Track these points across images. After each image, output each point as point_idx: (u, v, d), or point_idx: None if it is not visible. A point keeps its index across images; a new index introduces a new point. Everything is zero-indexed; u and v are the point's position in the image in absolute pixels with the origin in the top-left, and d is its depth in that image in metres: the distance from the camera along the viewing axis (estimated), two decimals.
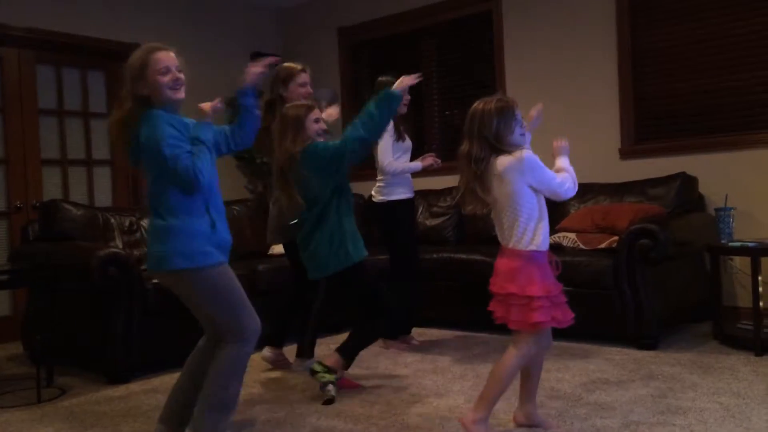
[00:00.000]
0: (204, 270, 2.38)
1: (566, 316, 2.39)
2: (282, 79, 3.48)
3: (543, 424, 2.53)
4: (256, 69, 2.60)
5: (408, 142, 4.02)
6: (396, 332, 4.05)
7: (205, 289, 2.42)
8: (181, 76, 2.43)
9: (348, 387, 3.18)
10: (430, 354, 3.81)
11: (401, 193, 3.96)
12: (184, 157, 2.30)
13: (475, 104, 2.38)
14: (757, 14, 4.23)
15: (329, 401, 2.97)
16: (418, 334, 4.24)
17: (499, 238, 2.44)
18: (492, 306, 2.44)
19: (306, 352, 3.59)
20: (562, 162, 2.54)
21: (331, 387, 3.00)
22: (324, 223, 3.01)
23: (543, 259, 2.38)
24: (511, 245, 2.37)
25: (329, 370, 3.03)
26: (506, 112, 2.32)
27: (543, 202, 2.42)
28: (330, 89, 6.20)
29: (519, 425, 2.56)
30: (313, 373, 3.04)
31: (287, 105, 3.21)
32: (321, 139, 3.05)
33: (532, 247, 2.35)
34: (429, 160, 3.97)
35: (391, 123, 3.88)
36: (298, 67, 3.51)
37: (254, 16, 6.34)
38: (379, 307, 3.13)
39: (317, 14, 6.41)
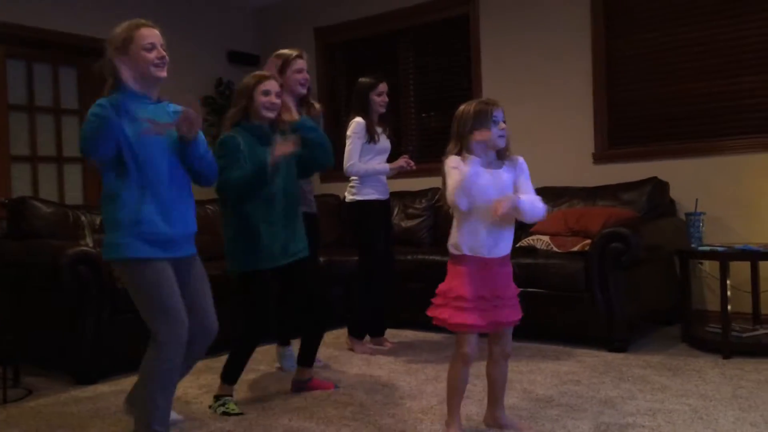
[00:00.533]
0: (127, 263, 2.36)
1: (452, 319, 2.35)
2: (278, 68, 3.35)
3: (513, 426, 2.54)
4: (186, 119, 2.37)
5: (383, 144, 3.98)
6: (363, 332, 4.05)
7: (128, 282, 2.40)
8: (166, 55, 2.40)
9: (319, 388, 3.16)
10: (404, 355, 3.81)
11: (370, 194, 3.92)
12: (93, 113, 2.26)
13: (461, 106, 2.45)
14: (729, 23, 4.31)
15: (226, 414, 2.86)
16: (392, 335, 4.24)
17: None
18: None
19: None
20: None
21: (227, 408, 2.88)
22: (227, 220, 2.92)
23: (466, 264, 2.36)
24: None
25: (221, 399, 2.92)
26: (482, 114, 2.37)
27: (478, 215, 2.36)
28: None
29: (489, 427, 2.58)
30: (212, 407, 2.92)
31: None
32: (270, 115, 2.89)
33: (452, 249, 2.42)
34: (400, 162, 3.91)
35: (362, 124, 3.89)
36: (294, 52, 3.40)
37: (230, 15, 6.31)
38: (245, 323, 2.98)
39: (294, 14, 6.39)
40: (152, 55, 2.37)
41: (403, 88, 5.83)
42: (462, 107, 2.44)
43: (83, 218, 4.21)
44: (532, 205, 2.40)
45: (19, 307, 3.70)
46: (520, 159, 2.51)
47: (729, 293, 3.57)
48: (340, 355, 3.90)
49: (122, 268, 2.41)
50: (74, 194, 5.38)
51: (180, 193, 2.45)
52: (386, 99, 3.95)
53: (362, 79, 3.97)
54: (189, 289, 2.49)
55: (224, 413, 2.83)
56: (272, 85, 2.91)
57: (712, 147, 4.36)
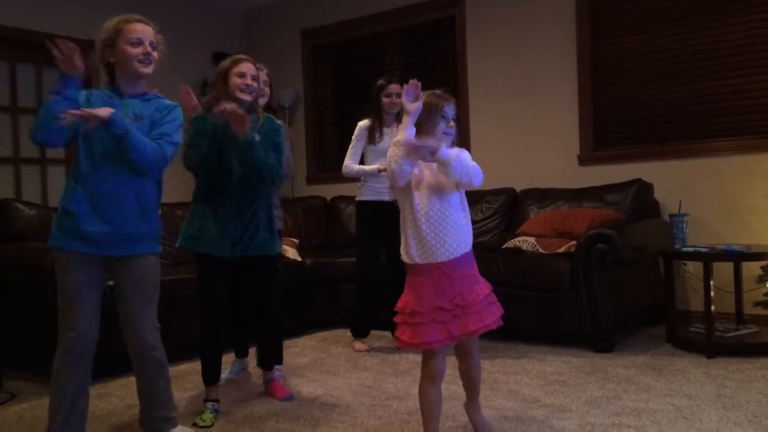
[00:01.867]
0: (53, 251, 2.35)
1: (411, 339, 2.17)
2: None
3: (476, 425, 2.47)
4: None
5: (386, 144, 3.91)
6: (359, 331, 4.08)
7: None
8: (154, 53, 2.37)
9: (272, 395, 3.11)
10: (391, 357, 3.81)
11: (368, 195, 3.97)
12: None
13: None
14: (713, 26, 4.35)
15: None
16: (379, 337, 4.24)
17: None
18: None
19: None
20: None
21: (200, 418, 2.81)
22: (192, 205, 2.94)
23: (420, 274, 2.22)
24: None
25: (204, 405, 2.89)
26: (432, 108, 2.23)
27: (414, 213, 2.22)
28: (293, 90, 6.17)
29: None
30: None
31: None
32: (245, 97, 2.85)
33: (405, 259, 2.24)
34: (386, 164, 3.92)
35: (363, 126, 3.94)
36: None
37: (217, 17, 6.28)
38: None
39: (280, 16, 6.38)
40: (137, 51, 2.33)
41: None
42: None
43: None
44: (459, 160, 2.15)
45: (1, 310, 3.65)
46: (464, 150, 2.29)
47: (712, 293, 3.60)
48: (327, 357, 3.90)
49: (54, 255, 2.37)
50: (57, 196, 5.30)
51: (122, 189, 2.33)
52: (396, 100, 3.91)
53: (378, 81, 4.02)
54: (119, 292, 2.42)
55: (194, 424, 2.74)
56: (247, 67, 2.88)
57: (696, 149, 4.40)
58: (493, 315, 2.27)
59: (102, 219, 2.30)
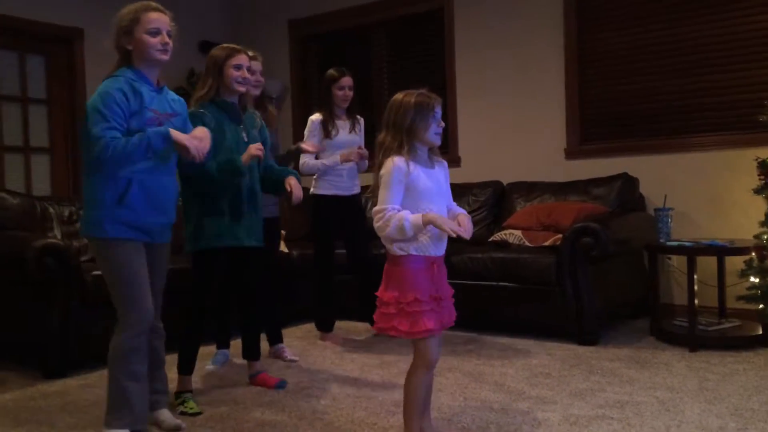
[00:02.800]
0: (103, 242, 2.37)
1: (413, 329, 2.18)
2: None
3: None
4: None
5: (344, 138, 3.91)
6: (324, 324, 4.09)
7: (101, 261, 2.42)
8: (170, 41, 2.42)
9: (262, 384, 3.12)
10: (376, 349, 3.81)
11: (325, 189, 3.92)
12: (105, 143, 2.27)
13: (397, 95, 2.28)
14: (699, 21, 4.37)
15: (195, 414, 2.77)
16: (366, 330, 4.24)
17: None
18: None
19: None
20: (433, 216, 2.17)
21: (185, 407, 2.80)
22: (191, 201, 2.89)
23: (413, 264, 2.21)
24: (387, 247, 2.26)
25: (180, 397, 2.86)
26: (424, 108, 2.21)
27: (415, 204, 2.19)
28: (279, 82, 6.14)
29: None
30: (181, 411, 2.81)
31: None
32: (242, 89, 2.87)
33: (397, 251, 2.21)
34: (352, 154, 3.81)
35: (316, 121, 3.88)
36: (249, 53, 3.34)
37: (202, 5, 6.22)
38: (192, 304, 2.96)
39: (267, 5, 6.34)
40: (156, 40, 2.39)
41: (377, 81, 5.82)
42: (400, 97, 2.26)
43: (51, 210, 4.13)
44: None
45: None
46: (445, 162, 2.36)
47: (696, 287, 3.63)
48: (313, 348, 3.90)
49: (96, 246, 2.42)
50: (42, 185, 5.27)
51: (168, 183, 2.48)
52: (349, 93, 3.91)
53: (328, 71, 3.95)
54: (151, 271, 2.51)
55: (182, 413, 2.76)
56: (243, 59, 2.88)
57: (681, 144, 4.43)
58: (453, 312, 2.33)
59: (158, 211, 2.43)
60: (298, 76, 6.21)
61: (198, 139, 2.42)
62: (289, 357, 3.60)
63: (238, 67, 2.85)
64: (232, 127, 2.86)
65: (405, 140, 2.20)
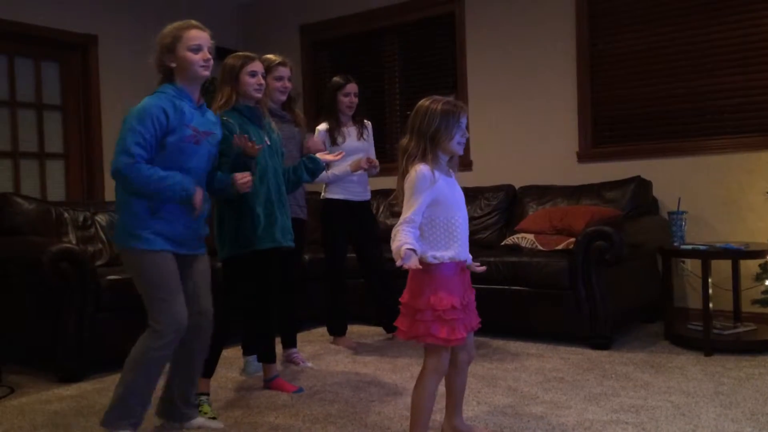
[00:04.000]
0: (135, 252, 2.41)
1: (451, 335, 2.18)
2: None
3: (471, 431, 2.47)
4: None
5: (351, 144, 3.89)
6: (336, 328, 4.08)
7: (134, 270, 2.45)
8: (211, 58, 2.50)
9: (279, 389, 3.12)
10: (389, 354, 3.81)
11: (336, 193, 3.92)
12: (126, 165, 2.35)
13: (423, 100, 2.27)
14: (712, 23, 4.36)
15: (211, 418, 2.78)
16: (379, 334, 4.24)
17: None
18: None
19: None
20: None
21: (203, 410, 2.79)
22: (220, 207, 2.91)
23: (447, 271, 2.22)
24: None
25: (199, 399, 2.83)
26: (450, 117, 2.21)
27: (447, 214, 2.22)
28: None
29: None
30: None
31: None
32: (258, 95, 2.89)
33: (431, 259, 2.20)
34: (362, 162, 3.77)
35: (322, 131, 3.88)
36: (278, 59, 3.36)
37: (214, 11, 6.26)
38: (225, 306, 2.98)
39: (279, 11, 6.36)
40: (198, 57, 2.46)
41: (389, 86, 5.83)
42: (426, 103, 2.24)
43: (66, 215, 4.16)
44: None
45: (1, 305, 3.65)
46: (453, 174, 2.35)
47: (710, 291, 3.61)
48: (325, 352, 3.90)
49: (128, 256, 2.47)
50: (56, 191, 5.32)
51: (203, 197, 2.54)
52: (354, 99, 3.91)
53: (334, 79, 3.97)
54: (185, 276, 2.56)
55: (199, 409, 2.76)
56: (258, 66, 2.93)
57: (695, 146, 4.41)
58: (477, 315, 2.35)
59: (192, 222, 2.50)
60: (309, 81, 6.23)
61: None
62: (302, 363, 3.59)
63: (254, 74, 2.90)
64: (255, 131, 2.90)
65: (429, 147, 2.20)
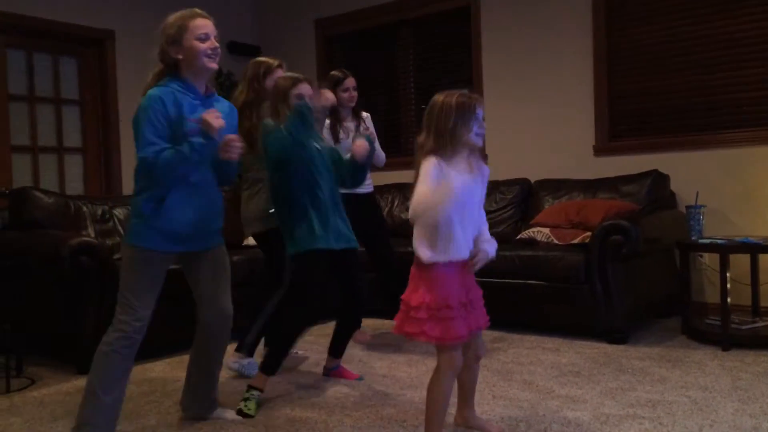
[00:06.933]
0: (131, 247, 2.39)
1: (446, 334, 2.17)
2: (261, 75, 3.37)
3: (482, 426, 2.47)
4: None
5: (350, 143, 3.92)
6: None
7: (123, 262, 2.42)
8: (218, 46, 2.40)
9: (343, 377, 3.23)
10: (404, 347, 3.82)
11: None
12: (150, 159, 2.27)
13: (437, 96, 2.24)
14: (729, 16, 4.30)
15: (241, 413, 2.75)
16: (393, 326, 4.24)
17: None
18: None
19: (246, 348, 3.40)
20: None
21: (246, 407, 2.78)
22: (277, 203, 2.97)
23: (446, 269, 2.20)
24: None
25: (249, 392, 2.84)
26: (466, 110, 2.18)
27: (468, 215, 2.23)
28: None
29: (458, 426, 2.51)
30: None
31: (279, 76, 3.13)
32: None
33: (439, 257, 2.19)
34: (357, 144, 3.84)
35: (328, 126, 3.87)
36: (275, 62, 3.37)
37: (230, 6, 6.29)
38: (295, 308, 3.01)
39: (294, 5, 6.37)
40: (205, 46, 2.36)
41: (403, 80, 5.82)
42: (441, 99, 2.21)
43: (85, 209, 4.21)
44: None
45: (21, 298, 3.71)
46: (486, 168, 2.32)
47: (729, 286, 3.58)
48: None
49: (124, 250, 2.45)
50: (75, 185, 5.38)
51: (208, 193, 2.47)
52: (354, 94, 3.89)
53: (331, 74, 3.96)
54: (201, 273, 2.53)
55: (239, 412, 2.74)
56: (306, 89, 2.95)
57: (713, 140, 4.37)
58: (485, 314, 2.34)
59: (197, 221, 2.43)
60: (324, 76, 6.22)
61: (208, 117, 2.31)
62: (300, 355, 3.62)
63: (300, 98, 2.90)
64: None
65: (448, 141, 2.17)
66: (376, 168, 3.97)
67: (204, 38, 2.36)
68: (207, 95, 2.47)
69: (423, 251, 2.19)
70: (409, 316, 2.22)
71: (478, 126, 2.21)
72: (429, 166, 2.15)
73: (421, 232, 2.21)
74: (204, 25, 2.38)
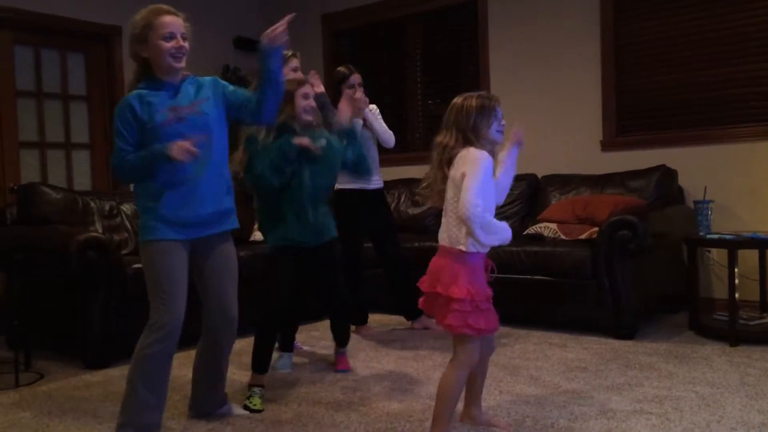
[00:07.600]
0: (144, 243, 2.38)
1: (489, 325, 2.22)
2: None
3: (491, 422, 2.48)
4: (278, 28, 2.37)
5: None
6: (357, 318, 4.08)
7: (143, 262, 2.41)
8: (186, 44, 2.34)
9: (337, 364, 3.31)
10: (411, 342, 3.82)
11: (348, 183, 3.89)
12: (117, 165, 2.33)
13: (457, 98, 2.32)
14: (736, 11, 4.28)
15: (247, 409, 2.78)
16: (399, 323, 4.26)
17: (440, 235, 2.33)
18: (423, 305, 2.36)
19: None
20: (508, 157, 2.41)
21: (250, 402, 2.80)
22: (260, 201, 3.07)
23: (478, 261, 2.25)
24: (449, 243, 2.26)
25: (250, 390, 2.87)
26: (486, 109, 2.27)
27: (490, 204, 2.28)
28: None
29: (465, 423, 2.50)
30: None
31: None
32: (308, 117, 2.96)
33: (470, 247, 2.22)
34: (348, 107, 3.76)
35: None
36: (288, 52, 3.42)
37: (237, 1, 6.28)
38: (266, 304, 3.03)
39: (301, 0, 6.36)
40: (170, 45, 2.30)
41: (410, 75, 5.81)
42: (460, 101, 2.30)
43: (92, 204, 4.22)
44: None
45: (30, 293, 3.73)
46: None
47: (737, 281, 3.56)
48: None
49: (140, 249, 2.43)
50: (83, 180, 5.39)
51: (208, 178, 2.40)
52: (360, 91, 3.87)
53: (337, 70, 3.95)
54: (206, 269, 2.51)
55: (245, 407, 2.76)
56: (310, 90, 3.03)
57: (721, 135, 4.34)
58: None
59: (197, 205, 2.39)
60: (331, 71, 6.22)
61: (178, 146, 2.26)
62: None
63: (306, 97, 2.96)
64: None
65: (473, 138, 2.25)
66: (384, 150, 3.99)
67: (169, 37, 2.30)
68: (182, 80, 2.41)
69: (471, 240, 2.21)
70: (451, 309, 2.20)
71: (497, 123, 2.31)
72: (480, 157, 2.21)
73: (455, 220, 2.24)
74: (169, 23, 2.31)
